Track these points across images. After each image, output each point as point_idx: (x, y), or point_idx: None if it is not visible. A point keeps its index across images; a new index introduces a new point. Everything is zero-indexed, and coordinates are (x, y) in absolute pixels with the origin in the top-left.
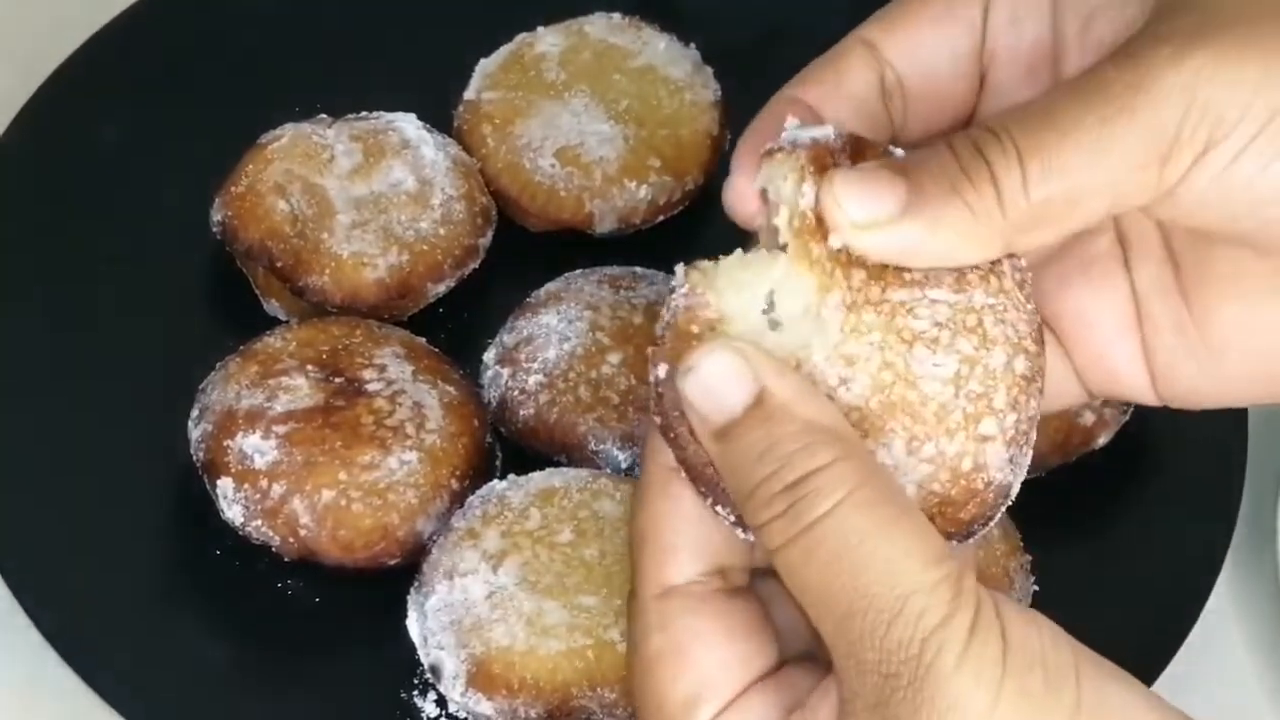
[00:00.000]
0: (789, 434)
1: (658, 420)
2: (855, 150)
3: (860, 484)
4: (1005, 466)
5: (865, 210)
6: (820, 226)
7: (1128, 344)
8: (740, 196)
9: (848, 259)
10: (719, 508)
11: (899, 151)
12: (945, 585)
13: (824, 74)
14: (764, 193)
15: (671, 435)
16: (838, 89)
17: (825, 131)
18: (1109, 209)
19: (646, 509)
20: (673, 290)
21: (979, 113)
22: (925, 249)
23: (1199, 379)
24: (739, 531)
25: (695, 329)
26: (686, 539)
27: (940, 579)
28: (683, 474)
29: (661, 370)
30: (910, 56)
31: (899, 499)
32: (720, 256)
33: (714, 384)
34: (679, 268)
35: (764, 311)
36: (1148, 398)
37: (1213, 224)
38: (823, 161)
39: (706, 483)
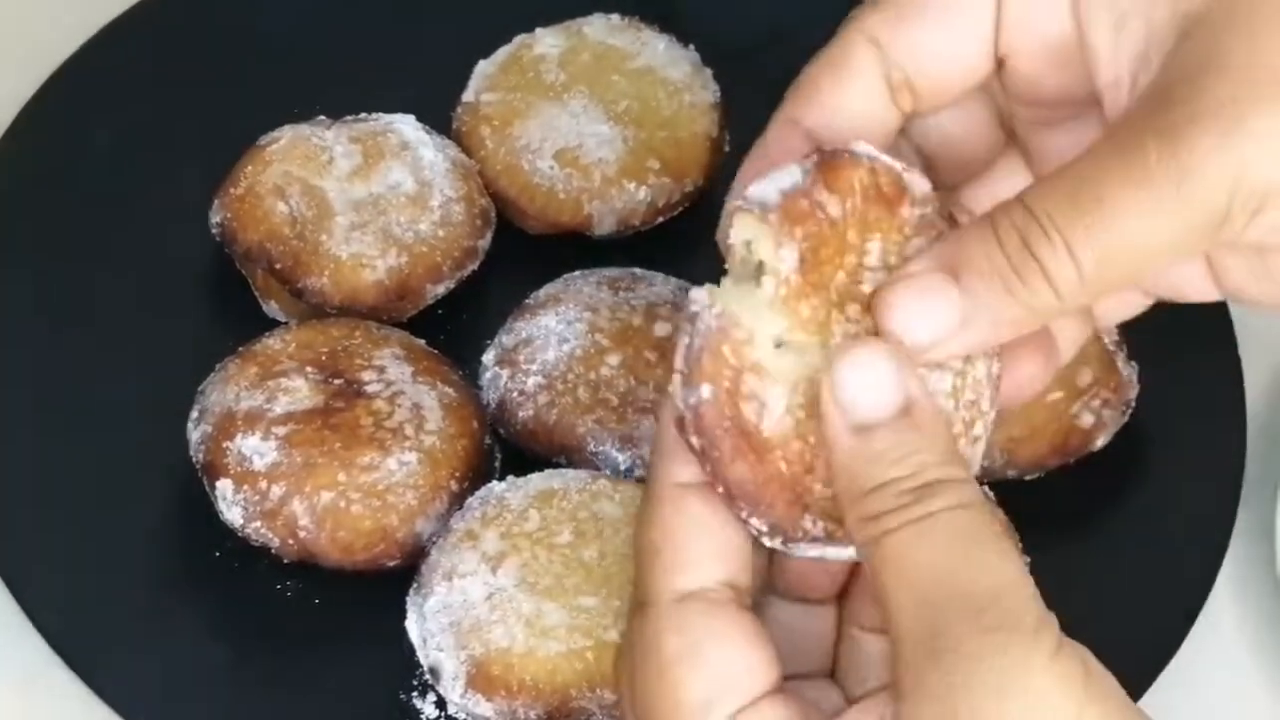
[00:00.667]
0: (934, 446)
1: (696, 441)
2: (827, 172)
3: (976, 503)
4: (980, 459)
5: (927, 331)
6: (806, 285)
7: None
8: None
9: (839, 298)
10: (754, 519)
11: (869, 150)
12: (1038, 601)
13: (826, 83)
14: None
15: (715, 454)
16: (841, 101)
17: (792, 177)
18: (1168, 265)
19: (658, 523)
20: (694, 313)
21: (1005, 102)
22: (988, 345)
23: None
24: (766, 540)
25: (728, 349)
26: (704, 548)
27: (1035, 594)
28: (694, 492)
29: (705, 390)
30: (918, 52)
31: (1002, 529)
32: (723, 279)
33: (871, 382)
34: (701, 292)
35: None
36: (1207, 288)
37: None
38: (797, 210)
39: (747, 497)
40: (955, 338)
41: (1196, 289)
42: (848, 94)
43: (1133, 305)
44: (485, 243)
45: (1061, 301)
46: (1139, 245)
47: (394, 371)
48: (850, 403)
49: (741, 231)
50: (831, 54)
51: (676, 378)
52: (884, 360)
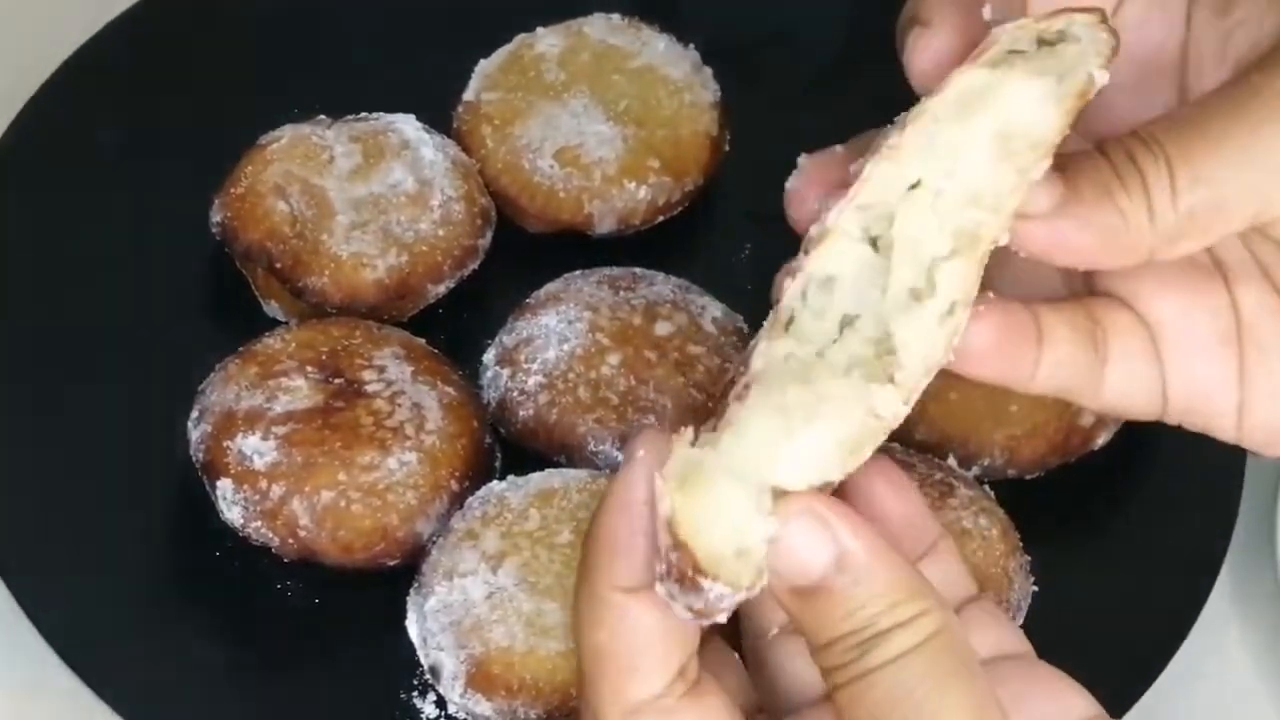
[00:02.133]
0: (872, 596)
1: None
2: None
3: (933, 635)
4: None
5: (1028, 200)
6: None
7: (1224, 360)
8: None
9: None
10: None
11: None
12: None
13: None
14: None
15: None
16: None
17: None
18: (1254, 217)
19: (605, 627)
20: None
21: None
22: (1073, 245)
23: None
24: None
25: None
26: (653, 655)
27: None
28: (641, 599)
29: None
30: None
31: (966, 654)
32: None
33: (795, 548)
34: (660, 487)
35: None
36: (1228, 429)
37: None
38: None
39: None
40: (1048, 220)
41: (1218, 399)
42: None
43: (1151, 407)
44: (485, 242)
45: (1153, 219)
46: (1234, 173)
47: (394, 371)
48: (782, 569)
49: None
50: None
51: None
52: (808, 523)
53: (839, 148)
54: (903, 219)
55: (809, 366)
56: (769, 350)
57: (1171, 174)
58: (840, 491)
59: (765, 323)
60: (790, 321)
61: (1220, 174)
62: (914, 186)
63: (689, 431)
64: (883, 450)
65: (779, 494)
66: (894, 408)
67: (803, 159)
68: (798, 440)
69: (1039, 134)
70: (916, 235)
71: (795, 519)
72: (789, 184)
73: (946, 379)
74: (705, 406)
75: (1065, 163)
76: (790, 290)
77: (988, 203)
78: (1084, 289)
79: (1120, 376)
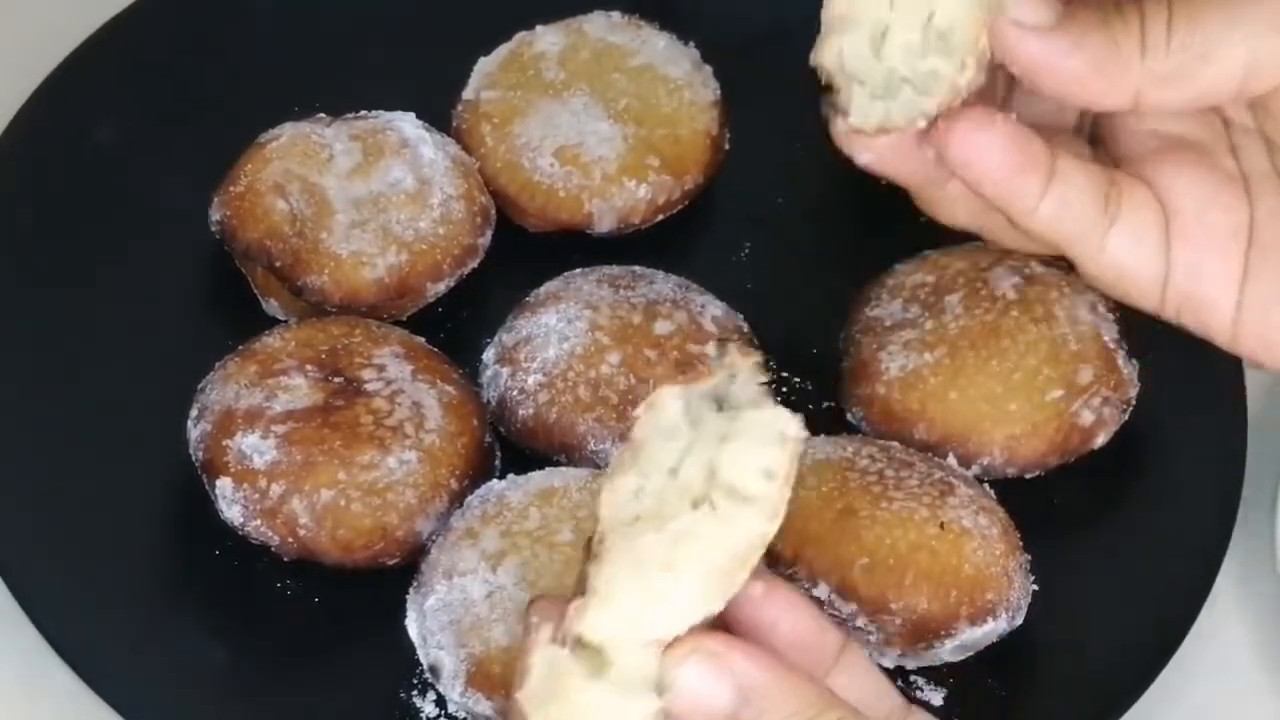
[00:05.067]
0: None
1: None
2: None
3: None
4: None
5: (1026, 9)
6: None
7: (1231, 255)
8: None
9: None
10: None
11: None
12: None
13: None
14: None
15: None
16: None
17: None
18: (1242, 76)
19: None
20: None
21: None
22: (1061, 66)
23: None
24: None
25: None
26: None
27: None
28: None
29: None
30: None
31: None
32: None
33: (693, 692)
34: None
35: None
36: (1223, 327)
37: None
38: None
39: None
40: (1043, 35)
41: (1216, 296)
42: None
43: (1151, 294)
44: (485, 240)
45: (1144, 53)
46: (1227, 19)
47: (394, 370)
48: (685, 716)
49: None
50: None
51: None
52: (700, 663)
53: None
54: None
55: (661, 502)
56: (614, 491)
57: (1170, 13)
58: (726, 621)
59: (609, 466)
60: (638, 454)
61: (1215, 18)
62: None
63: (546, 630)
64: (852, 476)
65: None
66: (759, 526)
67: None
68: (663, 591)
69: None
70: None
71: (686, 663)
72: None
73: (947, 378)
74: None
75: None
76: (641, 421)
77: None
78: (1110, 163)
79: (1125, 243)
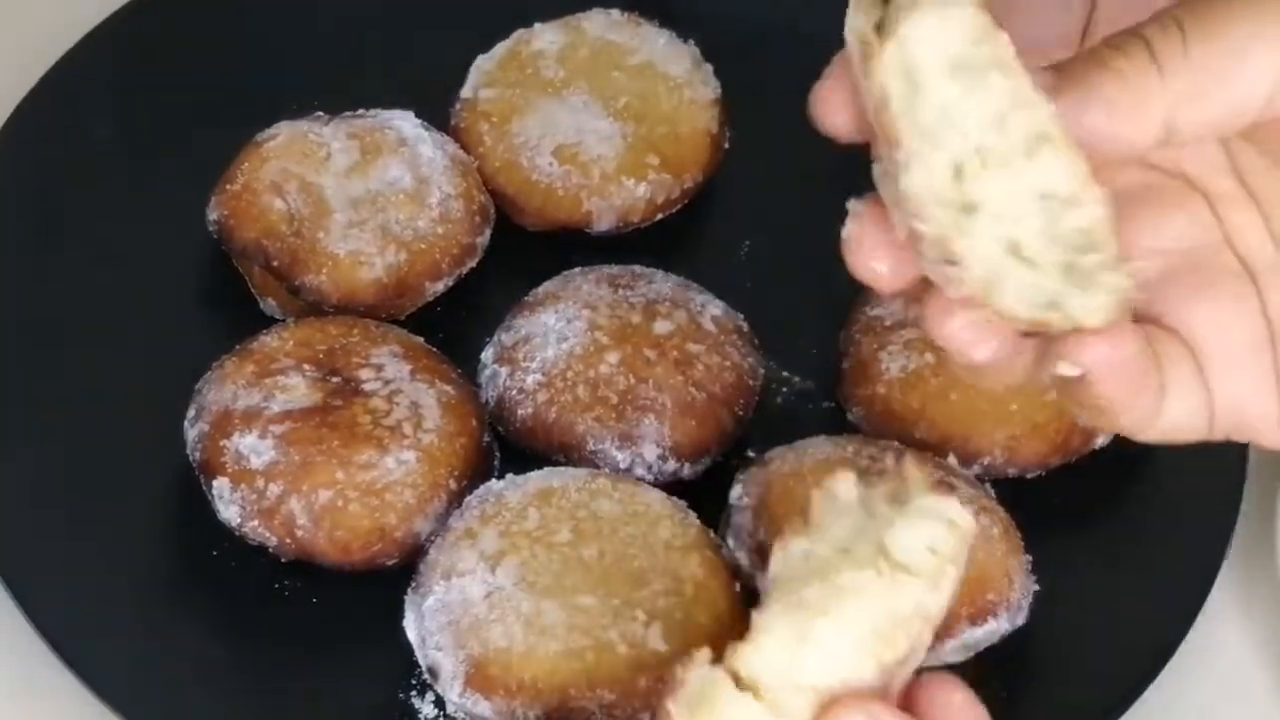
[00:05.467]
0: None
1: None
2: None
3: None
4: None
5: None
6: None
7: (1260, 367)
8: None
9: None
10: None
11: None
12: None
13: None
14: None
15: None
16: None
17: None
18: (1270, 89)
19: None
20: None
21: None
22: (1083, 126)
23: None
24: None
25: None
26: None
27: None
28: None
29: None
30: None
31: None
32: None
33: None
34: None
35: None
36: (1272, 434)
37: None
38: None
39: None
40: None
41: (1256, 404)
42: None
43: (1197, 427)
44: (484, 240)
45: (1161, 74)
46: (1250, 29)
47: (392, 369)
48: None
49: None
50: None
51: None
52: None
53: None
54: None
55: (829, 562)
56: (785, 552)
57: (1183, 28)
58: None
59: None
60: (811, 527)
61: (1234, 25)
62: None
63: (705, 652)
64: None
65: (825, 700)
66: (923, 597)
67: (854, 205)
68: (819, 637)
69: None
70: None
71: (849, 712)
72: (846, 232)
73: (948, 378)
74: (705, 405)
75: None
76: (816, 502)
77: None
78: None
79: (1178, 408)
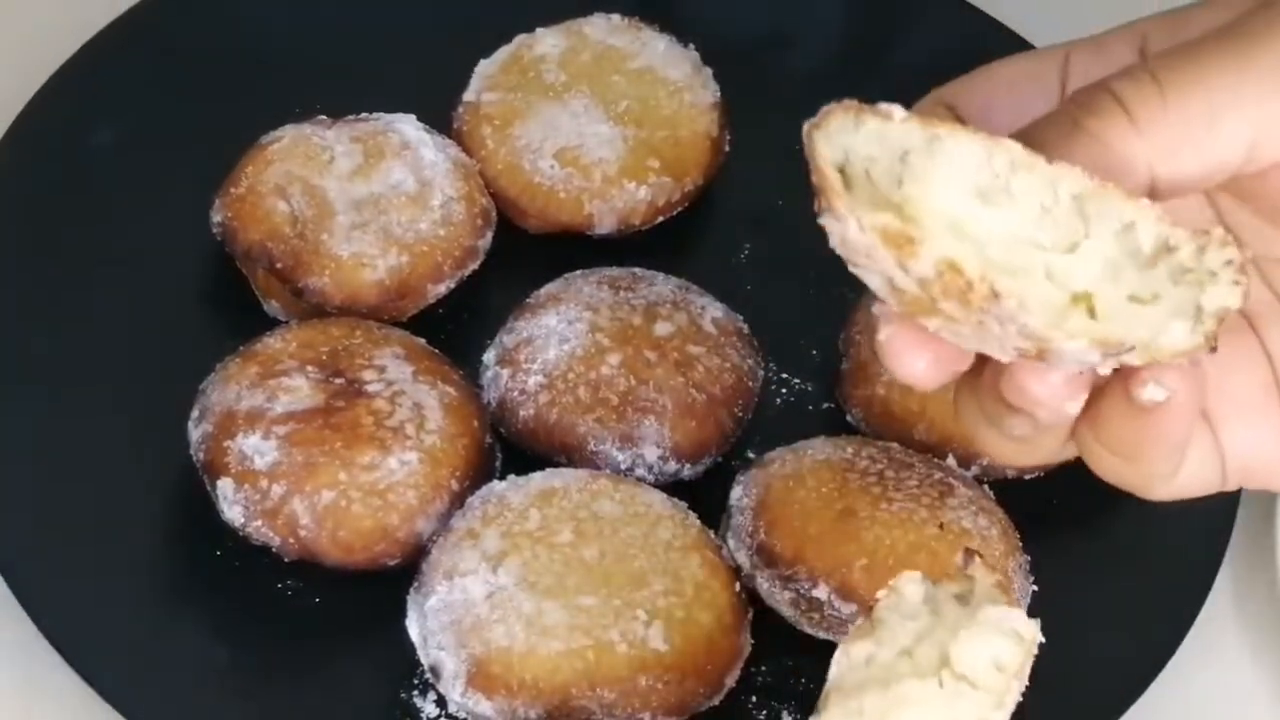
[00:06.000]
0: None
1: None
2: None
3: None
4: None
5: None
6: None
7: (1268, 413)
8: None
9: None
10: None
11: None
12: None
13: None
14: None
15: None
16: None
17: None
18: (1251, 138)
19: None
20: None
21: None
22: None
23: None
24: None
25: None
26: None
27: None
28: None
29: None
30: (988, 115)
31: None
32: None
33: None
34: None
35: None
36: None
37: None
38: None
39: None
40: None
41: (1272, 454)
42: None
43: (1213, 482)
44: (486, 242)
45: (1139, 128)
46: (1230, 82)
47: (395, 371)
48: None
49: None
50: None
51: None
52: None
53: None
54: None
55: (890, 667)
56: (848, 654)
57: (1159, 84)
58: None
59: (848, 635)
60: (875, 628)
61: (1213, 78)
62: None
63: None
64: (851, 477)
65: None
66: (982, 712)
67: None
68: None
69: None
70: None
71: None
72: (881, 337)
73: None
74: (705, 406)
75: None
76: (882, 601)
77: None
78: None
79: (1191, 467)
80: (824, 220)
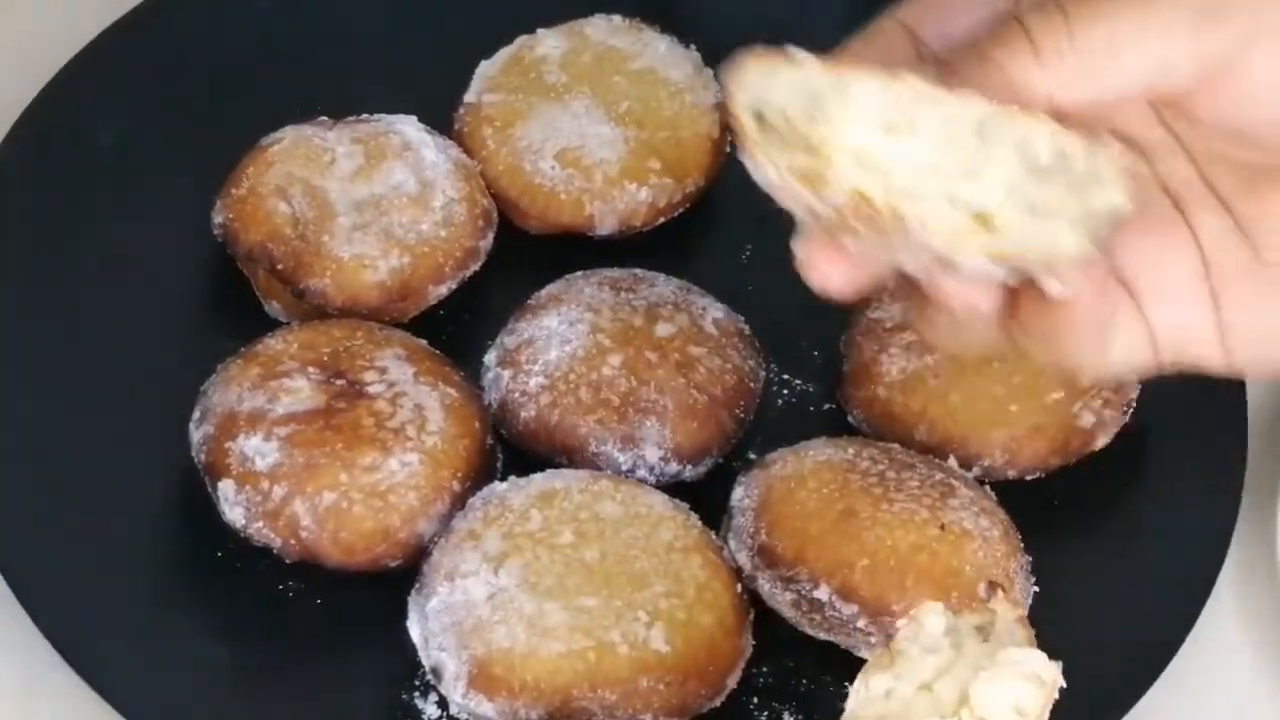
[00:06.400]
0: None
1: None
2: None
3: None
4: None
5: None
6: None
7: (1198, 295)
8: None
9: None
10: None
11: None
12: None
13: (863, 51)
14: None
15: None
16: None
17: None
18: (1153, 71)
19: None
20: None
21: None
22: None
23: (1269, 328)
24: None
25: None
26: None
27: None
28: None
29: None
30: (944, 33)
31: None
32: None
33: None
34: None
35: None
36: (1215, 359)
37: (1263, 131)
38: None
39: None
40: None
41: (1199, 334)
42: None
43: (1145, 360)
44: (487, 243)
45: (1041, 61)
46: (1137, 15)
47: (396, 372)
48: None
49: None
50: (868, 33)
51: None
52: None
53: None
54: None
55: (909, 704)
56: (866, 688)
57: (1066, 15)
58: None
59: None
60: (895, 660)
61: (1119, 14)
62: None
63: None
64: (853, 478)
65: None
66: None
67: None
68: None
69: None
70: None
71: None
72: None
73: (948, 380)
74: (706, 407)
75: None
76: (903, 632)
77: None
78: None
79: (1120, 344)
80: (746, 161)
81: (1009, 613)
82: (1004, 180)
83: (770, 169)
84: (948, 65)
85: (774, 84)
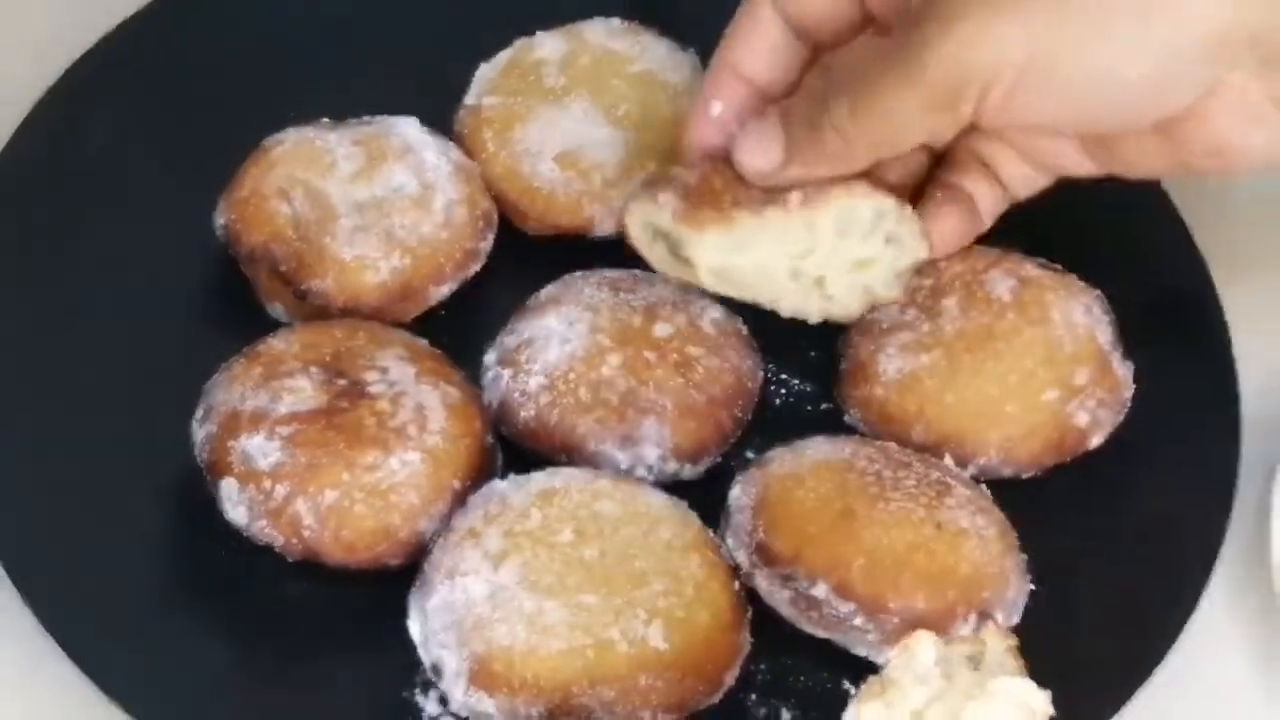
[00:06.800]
0: None
1: None
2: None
3: None
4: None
5: (762, 163)
6: None
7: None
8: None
9: None
10: None
11: None
12: None
13: (745, 31)
14: None
15: None
16: (758, 42)
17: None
18: (927, 136)
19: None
20: None
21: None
22: (810, 176)
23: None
24: None
25: None
26: None
27: None
28: None
29: None
30: (803, 6)
31: None
32: None
33: None
34: None
35: None
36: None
37: (1036, 123)
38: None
39: None
40: (784, 170)
41: (1073, 163)
42: (762, 38)
43: (1032, 181)
44: (487, 244)
45: (848, 145)
46: (895, 110)
47: (397, 372)
48: None
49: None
50: (743, 12)
51: None
52: None
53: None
54: None
55: None
56: (858, 715)
57: (852, 114)
58: None
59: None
60: (886, 688)
61: (883, 112)
62: None
63: None
64: (850, 477)
65: None
66: None
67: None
68: None
69: None
70: None
71: None
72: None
73: (944, 380)
74: (705, 406)
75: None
76: (895, 660)
77: None
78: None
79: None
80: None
81: (999, 643)
82: (831, 247)
83: (659, 265)
84: (786, 112)
85: (658, 212)
